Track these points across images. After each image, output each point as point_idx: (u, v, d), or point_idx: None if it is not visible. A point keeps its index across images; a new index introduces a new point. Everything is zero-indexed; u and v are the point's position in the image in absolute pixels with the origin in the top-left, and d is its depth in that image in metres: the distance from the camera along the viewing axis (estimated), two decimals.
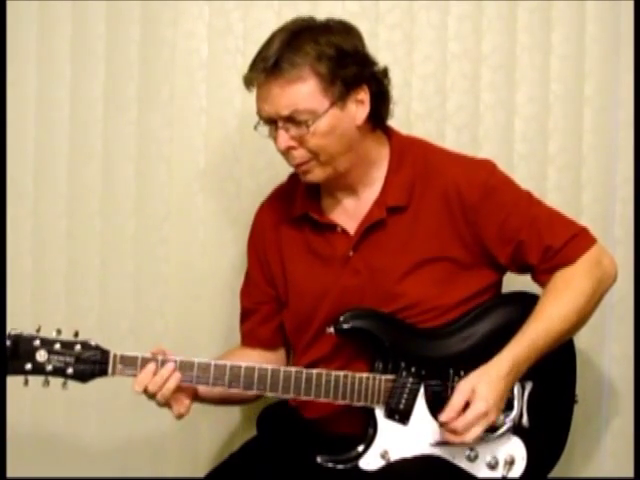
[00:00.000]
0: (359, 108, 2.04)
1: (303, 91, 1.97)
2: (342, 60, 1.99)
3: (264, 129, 2.07)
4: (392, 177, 2.12)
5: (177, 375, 1.98)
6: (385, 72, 2.11)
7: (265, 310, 2.26)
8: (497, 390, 1.96)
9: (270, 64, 1.96)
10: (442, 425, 1.96)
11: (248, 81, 2.04)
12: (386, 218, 2.09)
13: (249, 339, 2.29)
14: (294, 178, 2.23)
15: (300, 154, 2.03)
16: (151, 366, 1.97)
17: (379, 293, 2.08)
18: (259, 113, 2.04)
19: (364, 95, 2.04)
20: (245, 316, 2.31)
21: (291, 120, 1.99)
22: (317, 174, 2.07)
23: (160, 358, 1.98)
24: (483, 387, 1.95)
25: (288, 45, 1.97)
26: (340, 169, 2.07)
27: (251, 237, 2.30)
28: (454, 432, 1.94)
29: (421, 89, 2.55)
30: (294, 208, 2.19)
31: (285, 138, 2.01)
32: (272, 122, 2.03)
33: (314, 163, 2.05)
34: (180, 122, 2.56)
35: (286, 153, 2.04)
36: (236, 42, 2.54)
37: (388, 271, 2.09)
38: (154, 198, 2.58)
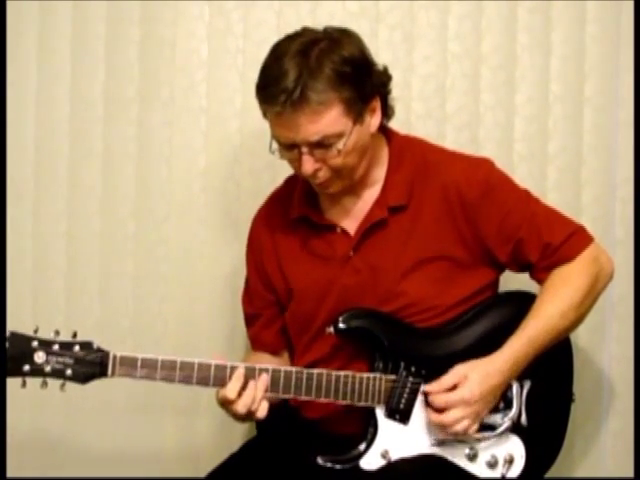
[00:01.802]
0: (373, 117, 2.05)
1: (330, 118, 1.95)
2: (359, 76, 1.97)
3: (271, 146, 2.05)
4: (392, 176, 2.12)
5: (264, 377, 1.98)
6: (387, 73, 2.11)
7: (267, 315, 2.26)
8: (488, 384, 1.98)
9: (296, 96, 1.90)
10: (424, 394, 1.99)
11: (267, 112, 1.99)
12: (387, 218, 2.09)
13: (256, 344, 2.30)
14: (291, 181, 2.23)
15: (324, 174, 2.03)
16: (241, 372, 1.97)
17: (380, 292, 2.08)
18: (279, 139, 2.01)
19: (376, 103, 2.05)
20: (249, 321, 2.31)
21: (318, 145, 1.98)
22: (336, 187, 2.07)
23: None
24: (475, 377, 1.97)
25: (306, 70, 1.92)
26: (356, 178, 2.08)
27: (248, 245, 2.30)
28: (433, 408, 1.97)
29: (421, 89, 2.54)
30: (292, 210, 2.18)
31: (311, 163, 1.99)
32: (293, 147, 2.00)
33: (335, 179, 2.05)
34: (180, 122, 2.56)
35: (312, 176, 2.03)
36: (236, 42, 2.54)
37: (389, 270, 2.09)
38: (154, 198, 2.58)
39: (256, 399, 1.96)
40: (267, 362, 2.19)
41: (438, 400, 1.97)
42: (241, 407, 1.96)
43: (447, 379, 1.98)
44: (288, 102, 1.91)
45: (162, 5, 2.54)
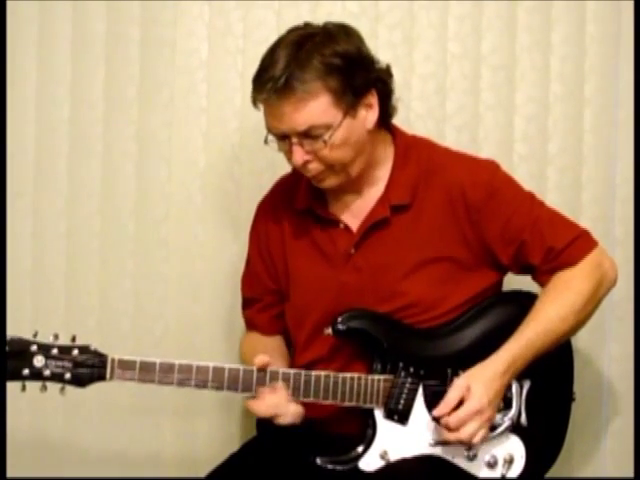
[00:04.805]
0: (369, 113, 2.05)
1: (317, 107, 1.96)
2: (350, 69, 1.98)
3: (267, 138, 2.05)
4: (396, 175, 2.12)
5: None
6: (389, 71, 2.11)
7: (266, 300, 2.28)
8: (492, 388, 1.97)
9: (281, 84, 1.93)
10: (434, 419, 1.97)
11: (256, 100, 2.01)
12: (389, 217, 2.09)
13: (250, 325, 2.32)
14: (297, 171, 2.22)
15: (315, 167, 2.04)
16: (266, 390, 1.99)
17: (380, 291, 2.09)
18: (270, 130, 2.02)
19: (372, 99, 2.04)
20: (246, 304, 2.33)
21: (306, 135, 1.98)
22: (331, 181, 2.08)
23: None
24: (478, 385, 1.96)
25: (295, 60, 1.94)
26: (353, 174, 2.08)
27: (253, 229, 2.31)
28: (448, 428, 1.95)
29: (421, 89, 2.54)
30: (297, 202, 2.19)
31: (301, 153, 2.01)
32: (285, 137, 2.02)
33: (329, 172, 2.05)
34: (180, 122, 2.56)
35: (302, 167, 2.04)
36: (236, 42, 2.54)
37: (390, 270, 2.09)
38: (154, 198, 2.58)
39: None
40: (261, 342, 2.23)
41: (452, 421, 1.94)
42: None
43: (451, 396, 1.96)
44: (273, 90, 1.94)
45: (162, 5, 2.54)
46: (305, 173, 2.07)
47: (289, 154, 2.04)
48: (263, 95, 1.96)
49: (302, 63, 1.94)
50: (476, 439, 1.96)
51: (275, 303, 2.26)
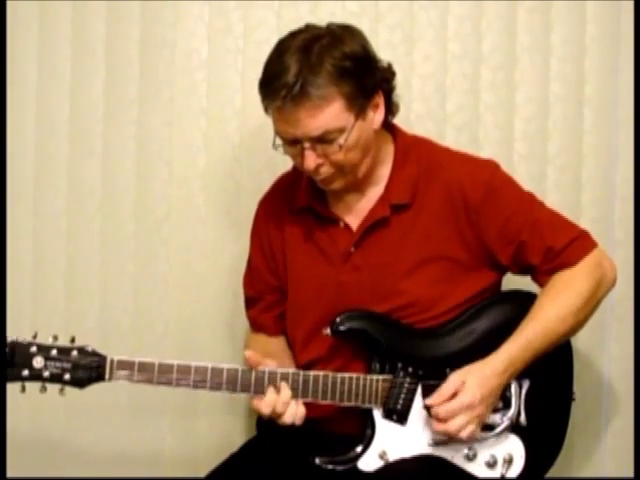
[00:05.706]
0: (376, 113, 2.05)
1: (331, 112, 1.96)
2: (360, 71, 1.98)
3: (275, 142, 2.05)
4: (396, 175, 2.12)
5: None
6: (391, 69, 2.11)
7: (268, 299, 2.27)
8: (487, 386, 1.97)
9: (296, 91, 1.91)
10: (426, 408, 1.98)
11: (268, 108, 2.00)
12: (389, 216, 2.09)
13: (254, 326, 2.31)
14: (298, 170, 2.22)
15: (326, 170, 2.03)
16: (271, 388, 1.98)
17: (378, 291, 2.09)
18: (281, 135, 2.02)
19: (379, 99, 2.05)
20: (249, 303, 2.32)
21: (319, 140, 1.98)
22: (340, 183, 2.08)
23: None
24: (473, 381, 1.97)
25: (307, 66, 1.93)
26: (360, 175, 2.08)
27: (255, 226, 2.30)
28: (437, 419, 1.96)
29: (421, 89, 2.55)
30: (297, 200, 2.19)
31: (313, 158, 2.00)
32: (295, 142, 2.01)
33: (338, 175, 2.05)
34: (180, 122, 2.56)
35: (314, 171, 2.03)
36: (236, 42, 2.54)
37: (389, 269, 2.09)
38: (154, 198, 2.58)
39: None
40: (268, 344, 2.23)
41: (441, 411, 1.96)
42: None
43: (446, 388, 1.97)
44: (288, 97, 1.92)
45: (162, 5, 2.54)
46: (315, 176, 2.06)
47: (300, 158, 2.03)
48: (277, 102, 1.95)
49: (314, 68, 1.93)
50: (463, 433, 1.96)
51: (277, 302, 2.26)
